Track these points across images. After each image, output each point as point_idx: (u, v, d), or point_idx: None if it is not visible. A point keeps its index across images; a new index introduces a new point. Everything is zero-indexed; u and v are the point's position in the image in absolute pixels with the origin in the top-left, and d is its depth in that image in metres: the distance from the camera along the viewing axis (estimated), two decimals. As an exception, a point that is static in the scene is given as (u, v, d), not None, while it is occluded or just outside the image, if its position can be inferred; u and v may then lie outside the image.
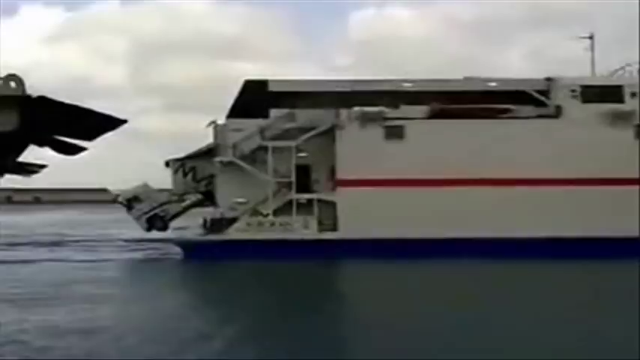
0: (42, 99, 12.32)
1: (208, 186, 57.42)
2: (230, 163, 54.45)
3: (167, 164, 58.27)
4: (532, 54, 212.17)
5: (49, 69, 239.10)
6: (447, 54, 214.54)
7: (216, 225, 54.02)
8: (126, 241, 57.41)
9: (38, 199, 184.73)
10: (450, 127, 52.90)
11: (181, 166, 57.79)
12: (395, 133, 53.22)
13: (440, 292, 38.08)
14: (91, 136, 14.17)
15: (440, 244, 50.48)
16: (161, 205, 57.14)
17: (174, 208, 57.42)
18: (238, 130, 54.52)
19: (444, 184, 52.28)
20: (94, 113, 12.88)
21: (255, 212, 53.90)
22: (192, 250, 53.27)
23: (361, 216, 51.91)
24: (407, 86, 54.82)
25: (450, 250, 49.79)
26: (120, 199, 58.00)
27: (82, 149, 15.16)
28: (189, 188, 57.97)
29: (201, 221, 56.20)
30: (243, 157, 54.25)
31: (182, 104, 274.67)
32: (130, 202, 57.18)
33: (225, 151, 54.87)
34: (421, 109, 53.73)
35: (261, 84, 55.24)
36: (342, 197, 52.98)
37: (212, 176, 56.74)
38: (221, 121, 56.01)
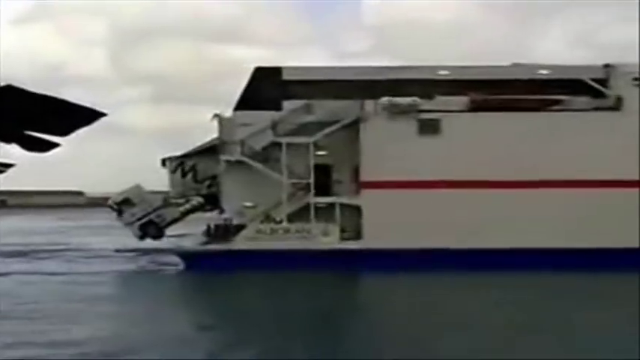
0: (9, 88, 11.74)
1: (211, 188, 54.00)
2: (238, 162, 51.08)
3: (163, 163, 54.91)
4: (580, 38, 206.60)
5: (18, 55, 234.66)
6: (480, 40, 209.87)
7: (222, 232, 50.55)
8: (117, 251, 53.65)
9: (4, 202, 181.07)
10: (494, 121, 49.51)
11: (180, 165, 54.35)
12: (430, 127, 49.87)
13: (488, 312, 34.88)
14: (64, 131, 13.39)
15: (482, 255, 47.33)
16: (156, 209, 53.43)
17: (171, 213, 53.65)
18: (247, 124, 51.14)
19: (486, 186, 49.05)
20: (69, 104, 12.30)
21: (267, 218, 50.45)
22: (194, 261, 49.76)
23: (390, 223, 48.68)
24: (443, 74, 51.53)
25: (494, 261, 46.60)
26: (109, 202, 54.33)
27: (54, 145, 14.13)
28: (188, 190, 54.44)
29: (204, 228, 52.77)
30: (253, 155, 50.94)
31: (173, 94, 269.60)
32: (121, 206, 53.47)
33: (231, 148, 51.50)
34: (460, 101, 50.33)
35: (274, 71, 51.94)
36: (368, 201, 49.69)
37: (215, 177, 53.52)
38: (227, 113, 52.63)
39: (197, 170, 54.26)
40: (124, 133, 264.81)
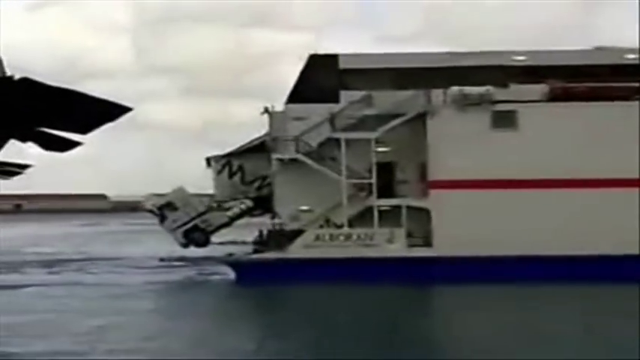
0: (24, 81, 11.64)
1: (260, 189, 52.23)
2: (292, 161, 49.22)
3: (208, 163, 53.36)
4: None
5: (33, 44, 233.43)
6: (536, 21, 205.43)
7: (276, 239, 48.76)
8: (162, 260, 52.13)
9: (19, 206, 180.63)
10: (578, 112, 47.67)
11: (227, 164, 52.58)
12: (505, 120, 48.24)
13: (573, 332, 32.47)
14: (86, 128, 13.17)
15: (565, 263, 45.58)
16: (201, 214, 51.75)
17: (218, 218, 51.96)
18: (301, 118, 49.54)
19: (570, 185, 47.20)
20: (91, 99, 12.03)
21: (327, 222, 48.80)
22: (246, 271, 48.15)
23: (462, 227, 47.09)
24: (518, 59, 49.64)
25: (579, 270, 44.83)
26: (149, 206, 52.84)
27: (75, 144, 14.06)
28: (236, 192, 52.62)
29: (254, 234, 51.51)
30: (309, 153, 49.02)
31: (201, 86, 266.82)
32: (163, 210, 51.85)
33: (285, 145, 49.72)
34: (537, 89, 48.58)
35: (330, 59, 50.42)
36: (438, 203, 47.90)
37: (265, 177, 51.96)
38: (278, 107, 51.01)
39: (245, 170, 52.54)
40: (150, 129, 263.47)
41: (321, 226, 48.69)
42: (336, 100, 49.72)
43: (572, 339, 30.62)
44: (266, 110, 51.10)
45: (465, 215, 47.27)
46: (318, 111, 49.21)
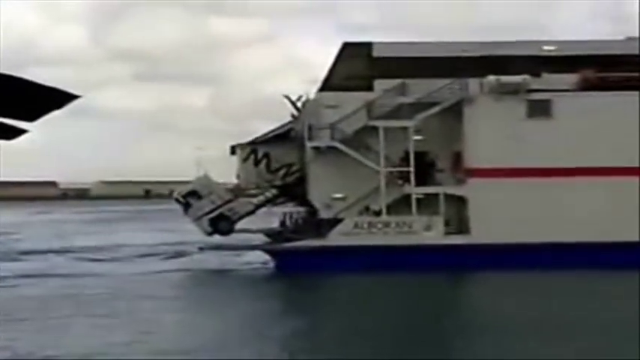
0: None
1: (286, 177, 49.26)
2: (327, 149, 46.40)
3: (233, 150, 50.11)
4: (597, 12, 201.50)
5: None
6: (492, 14, 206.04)
7: (314, 227, 46.12)
8: (201, 249, 48.93)
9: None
10: (610, 102, 45.63)
11: (252, 152, 49.45)
12: (540, 109, 46.04)
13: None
14: (32, 116, 12.57)
15: (601, 250, 43.61)
16: (227, 202, 48.68)
17: (244, 206, 48.83)
18: (335, 106, 46.61)
19: (605, 173, 45.23)
20: (36, 86, 11.54)
21: (367, 209, 46.05)
22: (286, 259, 45.32)
23: (499, 215, 44.87)
24: (548, 49, 47.62)
25: (616, 257, 43.00)
26: (175, 195, 49.44)
27: (21, 132, 13.06)
28: (261, 180, 49.55)
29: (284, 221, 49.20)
30: (344, 141, 46.36)
31: (155, 72, 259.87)
32: (187, 198, 48.63)
33: (319, 133, 46.76)
34: (570, 79, 46.48)
35: (364, 47, 47.76)
36: (475, 191, 45.57)
37: (291, 165, 48.89)
38: (311, 94, 48.45)
39: (270, 158, 49.59)
40: (103, 116, 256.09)
41: (361, 213, 46.03)
42: (369, 89, 46.96)
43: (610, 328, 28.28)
44: (290, 101, 48.70)
45: (501, 203, 45.02)
46: (353, 99, 46.33)
